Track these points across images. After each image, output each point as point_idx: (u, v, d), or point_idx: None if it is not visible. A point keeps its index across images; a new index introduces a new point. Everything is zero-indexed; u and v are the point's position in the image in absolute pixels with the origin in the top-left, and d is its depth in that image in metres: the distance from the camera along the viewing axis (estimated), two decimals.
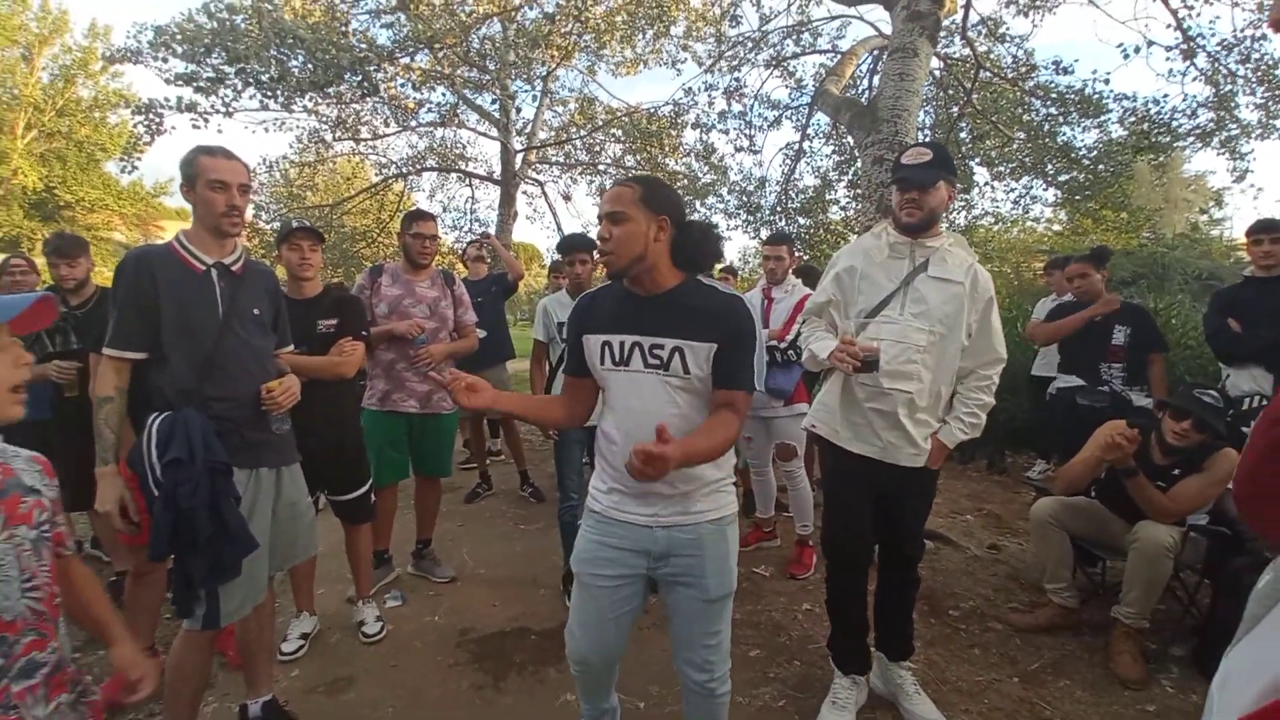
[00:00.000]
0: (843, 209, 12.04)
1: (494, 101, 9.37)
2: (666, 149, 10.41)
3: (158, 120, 6.39)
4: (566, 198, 11.78)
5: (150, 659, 1.17)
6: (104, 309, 2.92)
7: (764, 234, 12.38)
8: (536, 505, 4.45)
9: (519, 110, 9.99)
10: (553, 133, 11.28)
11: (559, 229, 11.29)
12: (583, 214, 13.80)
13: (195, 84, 5.72)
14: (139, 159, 7.57)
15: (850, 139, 10.57)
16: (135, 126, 6.69)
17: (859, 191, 4.81)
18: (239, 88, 5.88)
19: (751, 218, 12.11)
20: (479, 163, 11.48)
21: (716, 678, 1.64)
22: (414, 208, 3.17)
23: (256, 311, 1.92)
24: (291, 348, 2.14)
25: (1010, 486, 5.12)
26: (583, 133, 10.86)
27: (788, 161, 11.37)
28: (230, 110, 6.12)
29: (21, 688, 0.98)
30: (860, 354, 1.96)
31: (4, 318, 0.95)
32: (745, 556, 3.58)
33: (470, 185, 11.45)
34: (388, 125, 9.25)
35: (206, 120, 6.10)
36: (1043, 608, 2.92)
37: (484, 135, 10.24)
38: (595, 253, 3.02)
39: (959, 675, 2.49)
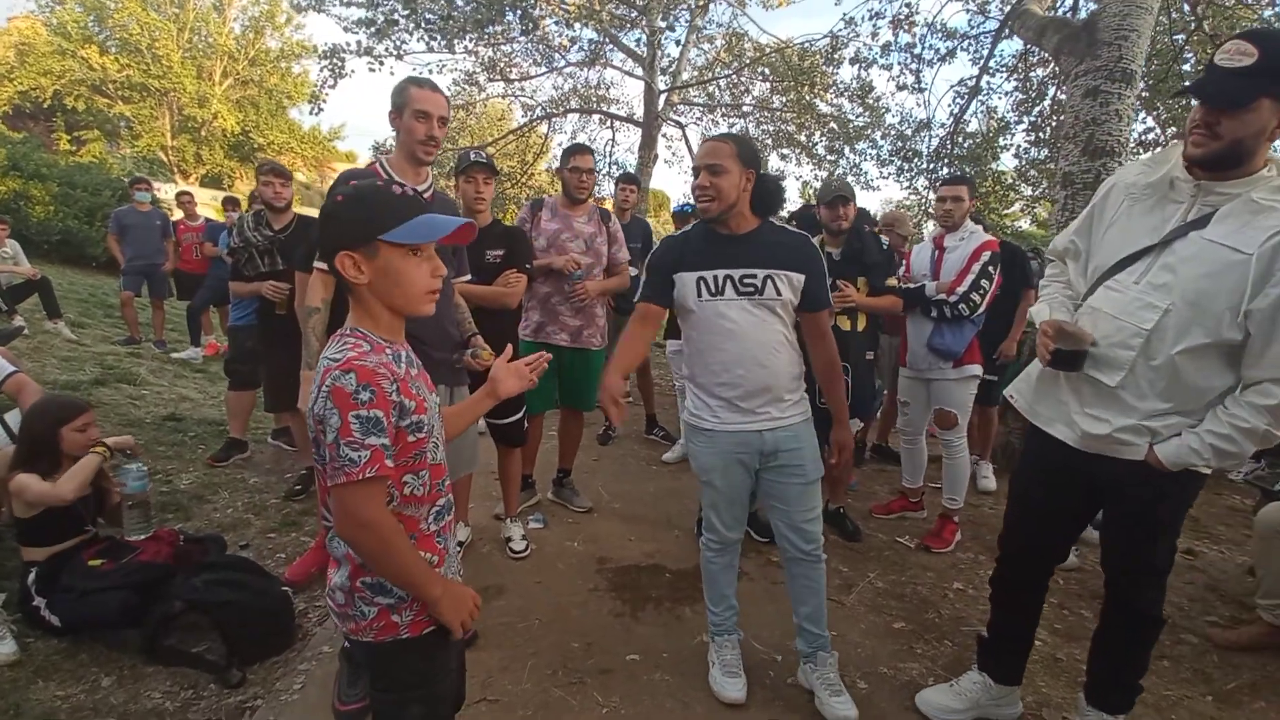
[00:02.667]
0: (1018, 156, 10.62)
1: (640, 39, 9.16)
2: (817, 88, 9.68)
3: (340, 64, 6.93)
4: None
5: None
6: (301, 234, 3.26)
7: (919, 184, 11.30)
8: (667, 447, 4.49)
9: (664, 45, 9.69)
10: (696, 72, 10.89)
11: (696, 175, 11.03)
12: None
13: (372, 27, 6.09)
14: (324, 101, 8.31)
15: (1039, 73, 9.19)
16: (321, 71, 7.32)
17: (1066, 130, 4.13)
18: (410, 29, 6.18)
19: (906, 165, 11.07)
20: (621, 104, 11.41)
21: (819, 545, 1.99)
22: (573, 142, 3.16)
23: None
24: (469, 278, 2.25)
25: (1210, 485, 4.39)
26: (728, 71, 10.37)
27: (958, 100, 10.13)
28: (401, 53, 6.48)
29: (448, 521, 1.22)
30: (1053, 344, 1.58)
31: (437, 235, 1.10)
32: (887, 525, 3.39)
33: (611, 127, 11.46)
34: (537, 66, 9.40)
35: (381, 63, 6.51)
36: (1248, 624, 2.52)
37: (629, 74, 10.11)
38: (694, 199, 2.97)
39: (1145, 687, 2.21)
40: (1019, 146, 10.05)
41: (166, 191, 11.67)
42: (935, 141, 10.90)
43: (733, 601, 2.10)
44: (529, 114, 11.31)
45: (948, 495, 3.21)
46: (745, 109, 10.87)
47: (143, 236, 6.24)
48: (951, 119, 10.15)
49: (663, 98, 9.90)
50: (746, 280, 1.82)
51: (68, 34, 19.33)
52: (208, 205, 10.22)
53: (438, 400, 1.22)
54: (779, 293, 1.82)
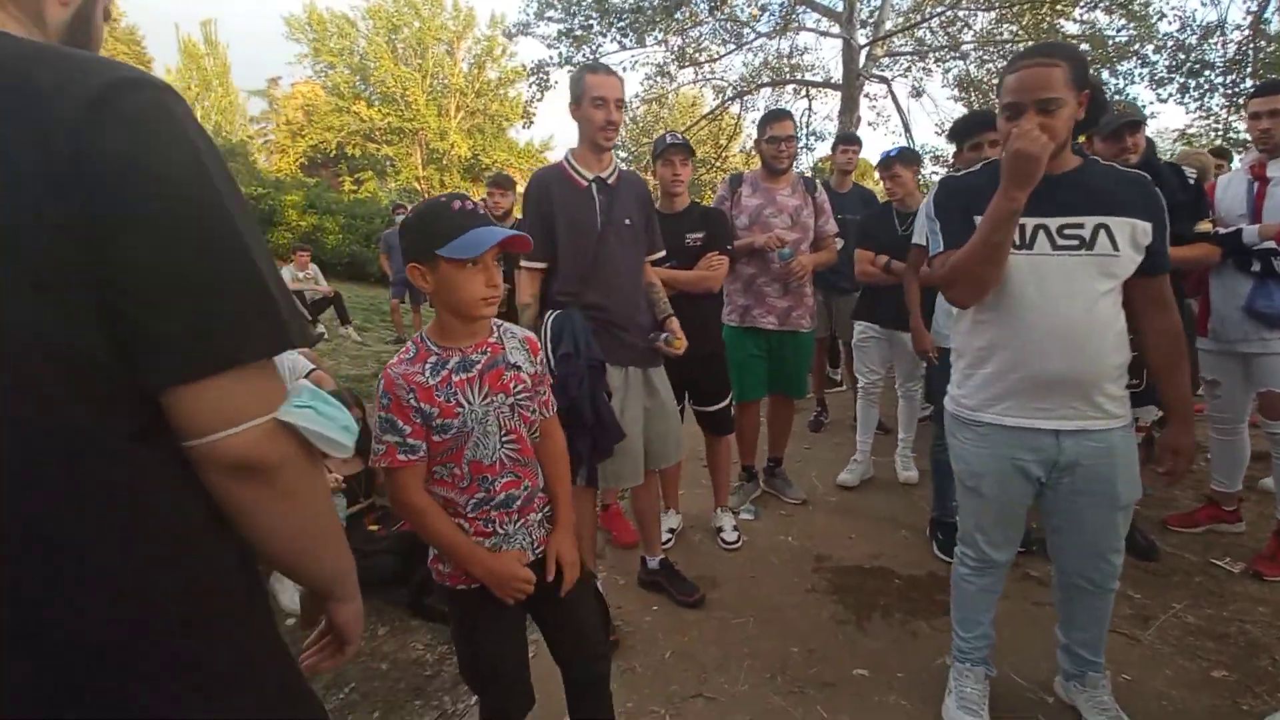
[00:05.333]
0: None
1: None
2: (1062, 4, 8.03)
3: (545, 77, 7.50)
4: (917, 94, 10.19)
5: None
6: None
7: (1213, 102, 8.85)
8: (883, 437, 4.07)
9: None
10: (902, 18, 9.75)
11: (907, 131, 9.92)
12: (939, 109, 11.71)
13: (571, 35, 6.46)
14: (534, 116, 9.04)
15: None
16: (530, 86, 7.98)
17: None
18: (603, 31, 6.44)
19: (1192, 81, 8.74)
20: (816, 70, 10.69)
21: (1116, 578, 1.59)
22: (768, 109, 2.95)
23: (628, 222, 2.05)
24: (663, 254, 2.23)
25: None
26: (942, 7, 9.10)
27: None
28: (598, 57, 6.78)
29: (500, 513, 1.29)
30: None
31: (483, 248, 1.17)
32: (1193, 542, 2.66)
33: (807, 96, 10.78)
34: (725, 45, 9.20)
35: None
36: None
37: (824, 35, 9.41)
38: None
39: None
40: None
41: None
42: (1232, 48, 8.51)
43: (988, 630, 1.74)
44: (719, 96, 11.13)
45: None
46: (965, 48, 9.45)
47: None
48: (1249, 17, 7.83)
49: (864, 53, 9.02)
50: (1068, 231, 1.41)
51: (341, 93, 23.94)
52: None
53: (514, 399, 1.28)
54: (1116, 247, 1.39)
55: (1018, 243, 1.44)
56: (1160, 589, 2.32)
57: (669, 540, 2.78)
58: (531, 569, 1.31)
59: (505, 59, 25.80)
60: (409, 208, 7.88)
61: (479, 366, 1.25)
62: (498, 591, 1.26)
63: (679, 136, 2.54)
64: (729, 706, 1.84)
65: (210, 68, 26.55)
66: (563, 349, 1.85)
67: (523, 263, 2.04)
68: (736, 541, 2.75)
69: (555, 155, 28.08)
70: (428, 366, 1.22)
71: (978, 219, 1.45)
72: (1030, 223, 1.43)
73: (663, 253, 2.23)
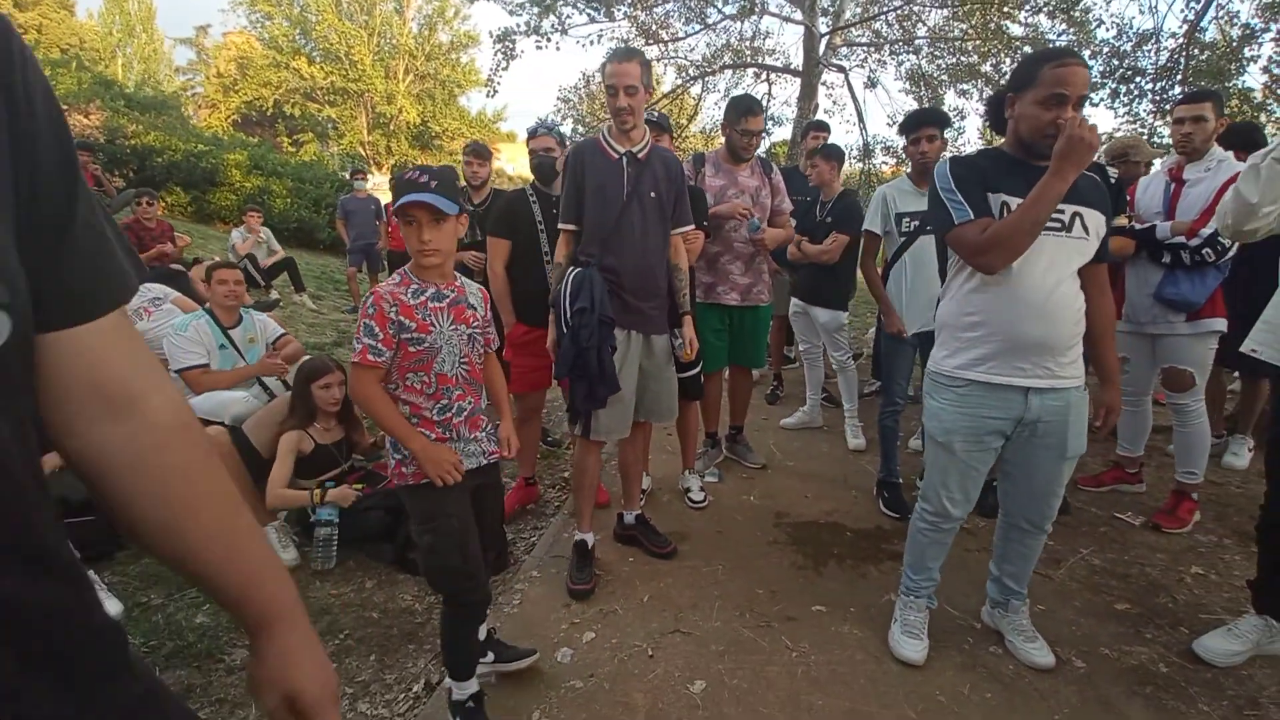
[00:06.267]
0: (1266, 70, 8.66)
1: None
2: (1009, 6, 8.45)
3: (511, 46, 7.38)
4: (872, 85, 10.53)
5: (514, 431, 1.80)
6: (493, 208, 3.56)
7: (1141, 108, 9.54)
8: (835, 409, 4.36)
9: None
10: (860, 9, 10.02)
11: (861, 121, 10.26)
12: (892, 101, 12.12)
13: (538, 2, 6.38)
14: (499, 83, 8.86)
15: None
16: (495, 55, 7.83)
17: None
18: (571, 1, 6.39)
19: (1124, 87, 9.39)
20: (777, 55, 10.87)
21: (1051, 521, 1.87)
22: (744, 97, 3.07)
23: (653, 195, 2.20)
24: (690, 227, 2.39)
25: None
26: (898, 2, 9.40)
27: (1193, 4, 8.45)
28: (565, 28, 6.74)
29: (457, 421, 1.62)
30: None
31: (396, 205, 1.48)
32: (1100, 499, 3.03)
33: (767, 80, 10.98)
34: (690, 25, 9.25)
35: (548, 39, 6.83)
36: None
37: (787, 20, 9.58)
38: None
39: None
40: (1269, 58, 8.15)
41: (367, 182, 13.28)
42: (1164, 56, 9.14)
43: (935, 574, 1.99)
44: (682, 75, 11.19)
45: (1183, 469, 2.79)
46: (918, 43, 9.82)
47: (363, 219, 7.25)
48: (1185, 26, 8.45)
49: (824, 41, 9.26)
50: (1053, 215, 1.58)
51: (280, 47, 22.57)
52: None
53: (470, 331, 1.62)
54: (1086, 232, 1.62)
55: None
56: (1070, 537, 2.66)
57: (640, 500, 2.95)
58: (474, 474, 1.63)
59: (458, 22, 24.89)
60: (365, 173, 7.70)
61: (449, 300, 1.59)
62: (430, 470, 1.52)
63: (655, 113, 2.66)
64: (703, 639, 2.04)
65: (135, 12, 24.63)
66: (579, 303, 2.03)
67: (559, 224, 2.26)
68: (703, 501, 2.95)
69: (508, 126, 27.37)
70: (410, 291, 1.55)
71: (990, 195, 1.65)
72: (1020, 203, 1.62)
73: (689, 226, 2.38)
